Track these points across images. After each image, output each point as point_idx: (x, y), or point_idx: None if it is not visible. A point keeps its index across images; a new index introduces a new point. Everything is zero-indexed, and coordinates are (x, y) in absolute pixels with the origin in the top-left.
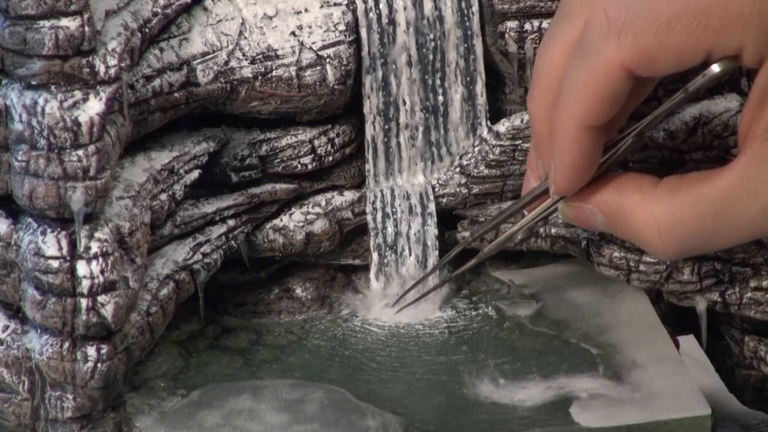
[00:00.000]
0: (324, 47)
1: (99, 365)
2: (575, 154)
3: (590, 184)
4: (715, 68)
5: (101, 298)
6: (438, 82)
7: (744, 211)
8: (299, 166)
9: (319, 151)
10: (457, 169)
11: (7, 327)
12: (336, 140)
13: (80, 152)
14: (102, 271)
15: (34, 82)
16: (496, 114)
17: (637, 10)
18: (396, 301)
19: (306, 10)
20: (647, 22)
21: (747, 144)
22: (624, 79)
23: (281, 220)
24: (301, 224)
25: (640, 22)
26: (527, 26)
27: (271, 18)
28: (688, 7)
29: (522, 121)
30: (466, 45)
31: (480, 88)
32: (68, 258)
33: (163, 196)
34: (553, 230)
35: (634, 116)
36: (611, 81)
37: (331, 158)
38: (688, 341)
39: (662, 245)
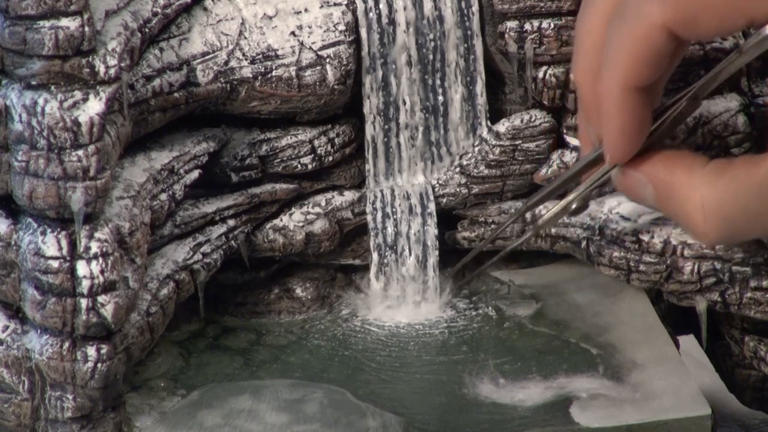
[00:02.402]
0: (324, 47)
1: (99, 365)
2: (623, 117)
3: (645, 155)
4: (767, 30)
5: (101, 298)
6: (438, 82)
7: None
8: (299, 166)
9: (319, 151)
10: (457, 169)
11: (7, 327)
12: (336, 140)
13: (80, 152)
14: (102, 271)
15: (34, 82)
16: (496, 114)
17: None
18: (451, 275)
19: (306, 10)
20: None
21: None
22: (666, 40)
23: (281, 220)
24: (301, 224)
25: None
26: (527, 26)
27: (271, 18)
28: None
29: (522, 121)
30: (466, 45)
31: (480, 88)
32: (68, 258)
33: (163, 196)
34: (553, 230)
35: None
36: (653, 41)
37: (331, 158)
38: (688, 341)
39: (705, 227)
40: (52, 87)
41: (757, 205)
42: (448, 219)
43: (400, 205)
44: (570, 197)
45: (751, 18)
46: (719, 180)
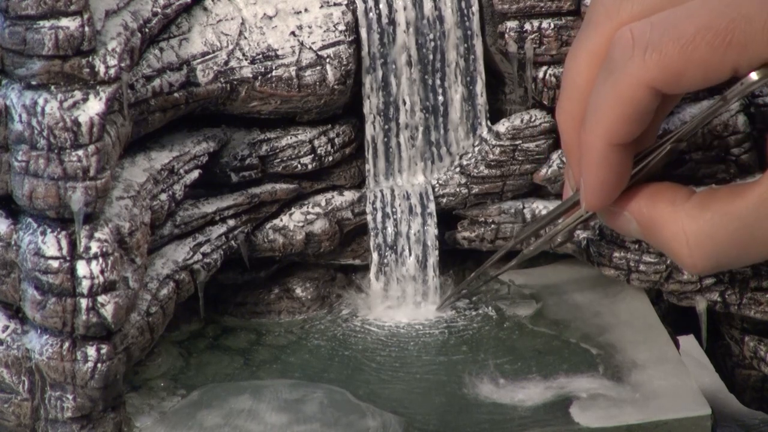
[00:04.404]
0: (324, 47)
1: (99, 365)
2: (604, 172)
3: (628, 191)
4: (754, 76)
5: (101, 298)
6: (438, 82)
7: None
8: (299, 166)
9: (319, 151)
10: (457, 169)
11: (7, 327)
12: (336, 140)
13: (80, 152)
14: (102, 271)
15: (34, 82)
16: (496, 114)
17: (661, 28)
18: (440, 305)
19: (306, 10)
20: (672, 40)
21: None
22: (650, 98)
23: (281, 220)
24: (301, 224)
25: (665, 40)
26: (527, 26)
27: (271, 18)
28: (712, 24)
29: (522, 121)
30: (466, 45)
31: (480, 88)
32: (68, 258)
33: (163, 196)
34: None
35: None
36: (637, 100)
37: (331, 158)
38: (688, 341)
39: (691, 259)
40: (52, 87)
41: (742, 236)
42: (448, 219)
43: (400, 205)
44: (554, 231)
45: (736, 68)
46: (703, 214)
